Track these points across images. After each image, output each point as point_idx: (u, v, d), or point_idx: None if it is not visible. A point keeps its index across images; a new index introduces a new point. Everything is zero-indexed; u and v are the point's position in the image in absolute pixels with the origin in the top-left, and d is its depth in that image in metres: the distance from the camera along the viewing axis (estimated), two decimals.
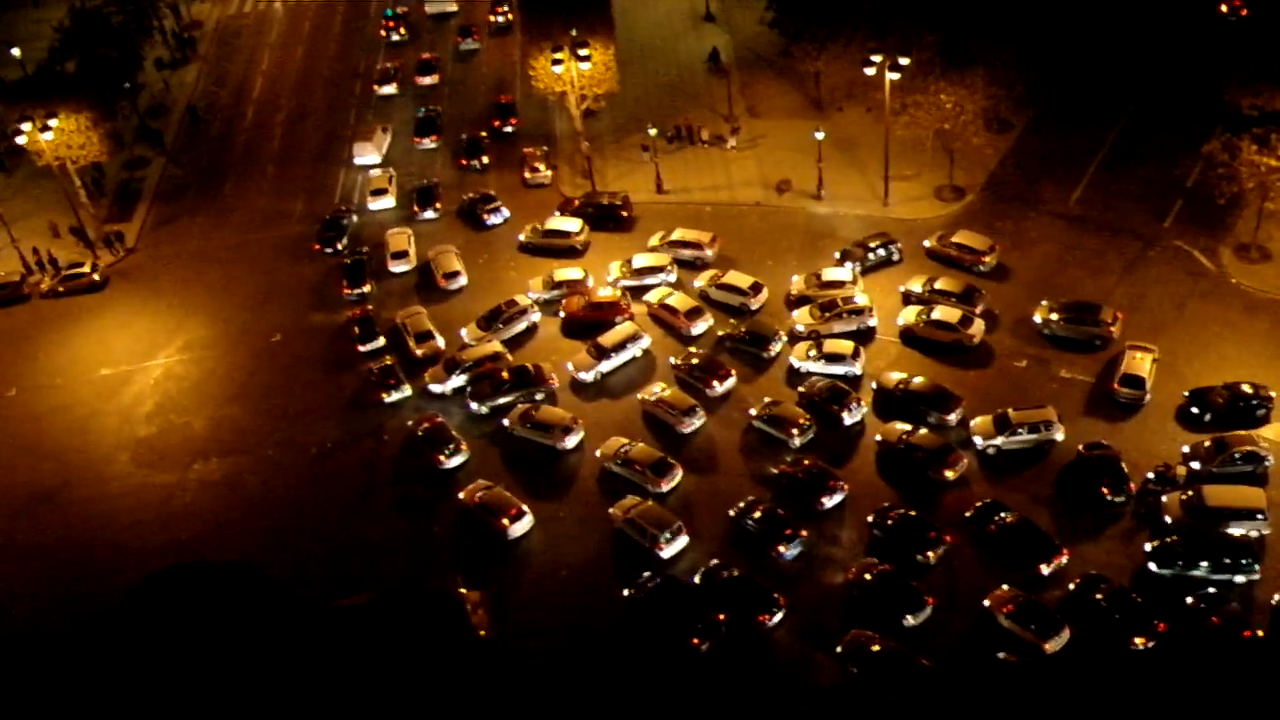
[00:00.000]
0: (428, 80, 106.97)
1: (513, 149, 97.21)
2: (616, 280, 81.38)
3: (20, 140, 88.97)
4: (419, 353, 78.11)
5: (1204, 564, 59.74)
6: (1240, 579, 59.74)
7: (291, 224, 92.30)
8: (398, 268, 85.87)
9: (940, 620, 60.09)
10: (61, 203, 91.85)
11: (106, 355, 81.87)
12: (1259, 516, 61.36)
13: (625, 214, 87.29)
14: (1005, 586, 60.50)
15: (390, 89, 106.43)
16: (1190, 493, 62.66)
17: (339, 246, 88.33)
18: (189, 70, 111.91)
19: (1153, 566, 60.64)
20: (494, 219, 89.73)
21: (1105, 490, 64.27)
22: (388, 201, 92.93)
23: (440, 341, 78.58)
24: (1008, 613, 58.97)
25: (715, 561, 63.61)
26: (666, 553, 64.61)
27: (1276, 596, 59.21)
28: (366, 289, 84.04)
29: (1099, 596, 58.91)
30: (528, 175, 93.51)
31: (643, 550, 64.78)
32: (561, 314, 79.59)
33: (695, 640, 60.04)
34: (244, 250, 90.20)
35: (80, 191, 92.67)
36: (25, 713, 61.19)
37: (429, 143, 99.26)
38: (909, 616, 59.86)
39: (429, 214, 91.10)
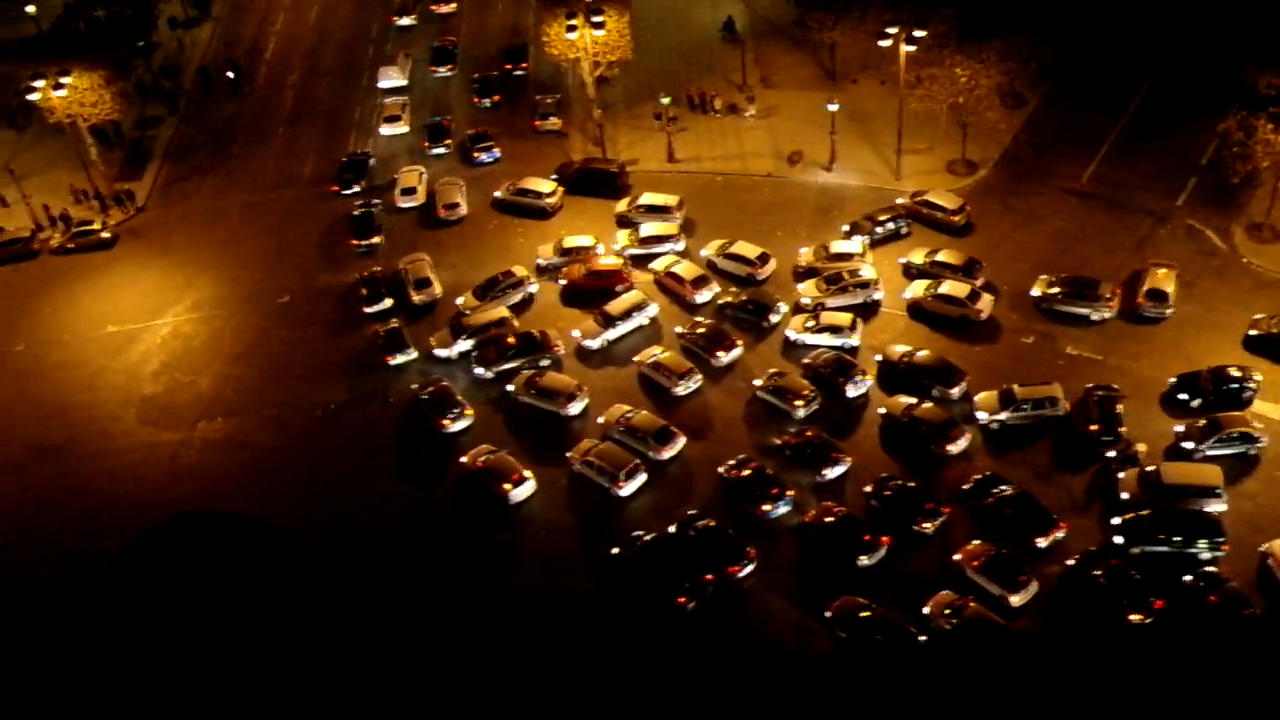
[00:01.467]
0: (445, 8, 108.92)
1: (524, 93, 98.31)
2: (624, 249, 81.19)
3: (33, 97, 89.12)
4: (417, 300, 78.89)
5: (1174, 539, 60.00)
6: (1207, 555, 59.94)
7: (302, 185, 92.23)
8: (406, 203, 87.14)
9: (918, 580, 60.75)
10: (73, 160, 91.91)
11: (114, 313, 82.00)
12: (1215, 494, 61.53)
13: (623, 181, 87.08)
14: (976, 541, 61.10)
15: (409, 20, 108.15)
16: (1151, 468, 63.00)
17: (357, 188, 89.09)
18: (203, 29, 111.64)
19: (1119, 540, 60.87)
20: (484, 157, 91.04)
21: (1095, 428, 64.77)
22: (401, 128, 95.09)
23: (438, 289, 79.38)
24: (976, 566, 59.78)
25: (692, 512, 64.05)
26: (625, 490, 65.61)
27: (1262, 546, 59.90)
28: (375, 241, 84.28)
29: (1098, 573, 58.92)
30: (538, 123, 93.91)
31: (603, 490, 66.44)
32: (562, 281, 79.52)
33: (682, 599, 60.36)
34: (254, 210, 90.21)
35: (91, 149, 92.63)
36: (28, 660, 61.97)
37: (444, 71, 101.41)
38: (864, 557, 61.04)
39: (439, 150, 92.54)
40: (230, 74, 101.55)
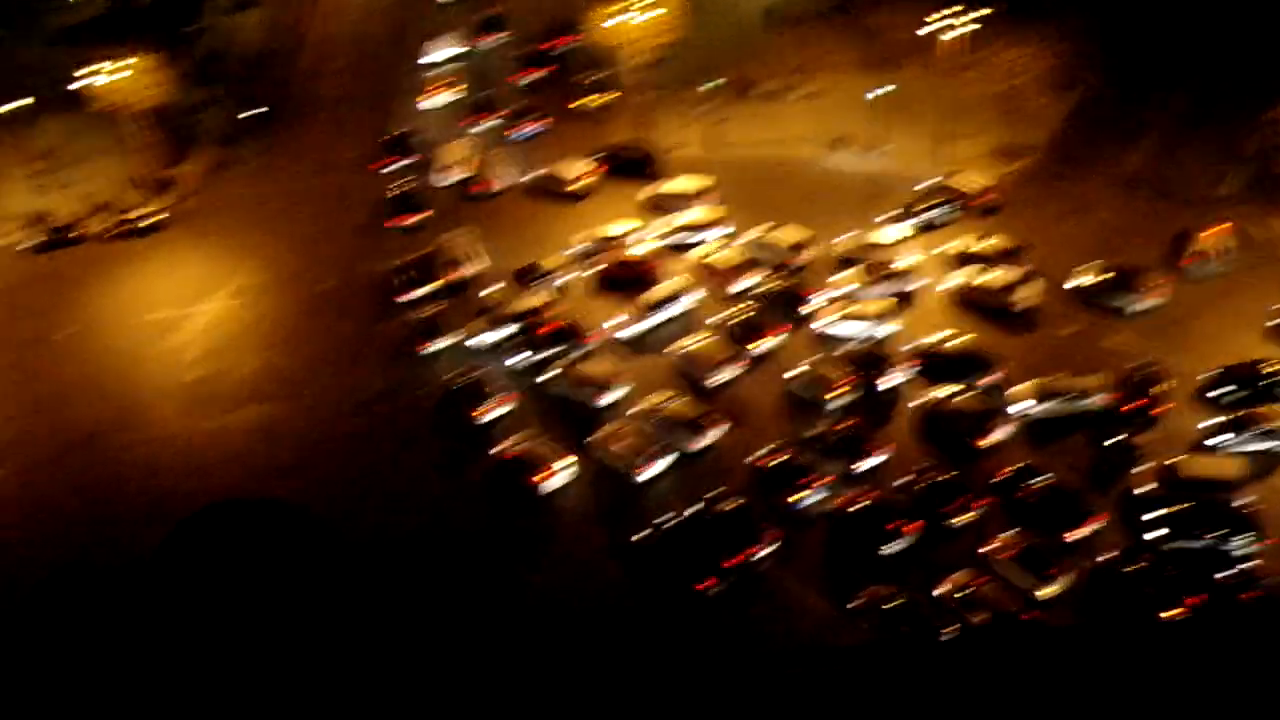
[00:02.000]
0: None
1: (569, 69, 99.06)
2: (664, 235, 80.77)
3: (84, 83, 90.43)
4: (454, 277, 79.54)
5: (1211, 535, 58.70)
6: (1244, 552, 58.49)
7: (344, 172, 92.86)
8: (449, 179, 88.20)
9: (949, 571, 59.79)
10: (122, 145, 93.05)
11: (157, 299, 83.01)
12: (1236, 488, 60.24)
13: (657, 166, 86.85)
14: (1008, 533, 60.25)
15: None
16: (1170, 461, 62.09)
17: (403, 164, 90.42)
18: (250, 14, 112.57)
19: (1154, 535, 59.64)
20: (526, 131, 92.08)
21: (1134, 405, 64.64)
22: (447, 100, 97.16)
23: (473, 268, 79.85)
24: (1008, 558, 59.03)
25: (711, 494, 63.86)
26: (648, 474, 65.65)
27: None
28: (418, 218, 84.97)
29: (1132, 568, 57.90)
30: (583, 99, 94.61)
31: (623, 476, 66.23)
32: (595, 269, 79.25)
33: (705, 584, 60.18)
34: (296, 196, 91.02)
35: (140, 135, 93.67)
36: (64, 644, 62.72)
37: (491, 42, 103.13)
38: (890, 544, 60.63)
39: (483, 125, 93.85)
40: (262, 109, 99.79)
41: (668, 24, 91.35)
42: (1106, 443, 63.90)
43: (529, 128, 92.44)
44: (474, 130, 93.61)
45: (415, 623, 61.52)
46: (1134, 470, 62.55)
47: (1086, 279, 72.66)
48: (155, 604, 63.55)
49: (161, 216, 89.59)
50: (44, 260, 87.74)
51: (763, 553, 61.46)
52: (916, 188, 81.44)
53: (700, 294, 76.50)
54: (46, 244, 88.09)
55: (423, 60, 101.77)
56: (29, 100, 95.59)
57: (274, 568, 64.26)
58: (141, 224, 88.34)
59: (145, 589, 64.08)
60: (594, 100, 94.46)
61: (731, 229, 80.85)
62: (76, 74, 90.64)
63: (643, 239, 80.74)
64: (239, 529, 66.50)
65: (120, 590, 64.24)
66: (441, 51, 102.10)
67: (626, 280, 77.47)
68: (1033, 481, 62.11)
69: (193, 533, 66.13)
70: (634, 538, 63.10)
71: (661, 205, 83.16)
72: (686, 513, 63.40)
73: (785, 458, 65.06)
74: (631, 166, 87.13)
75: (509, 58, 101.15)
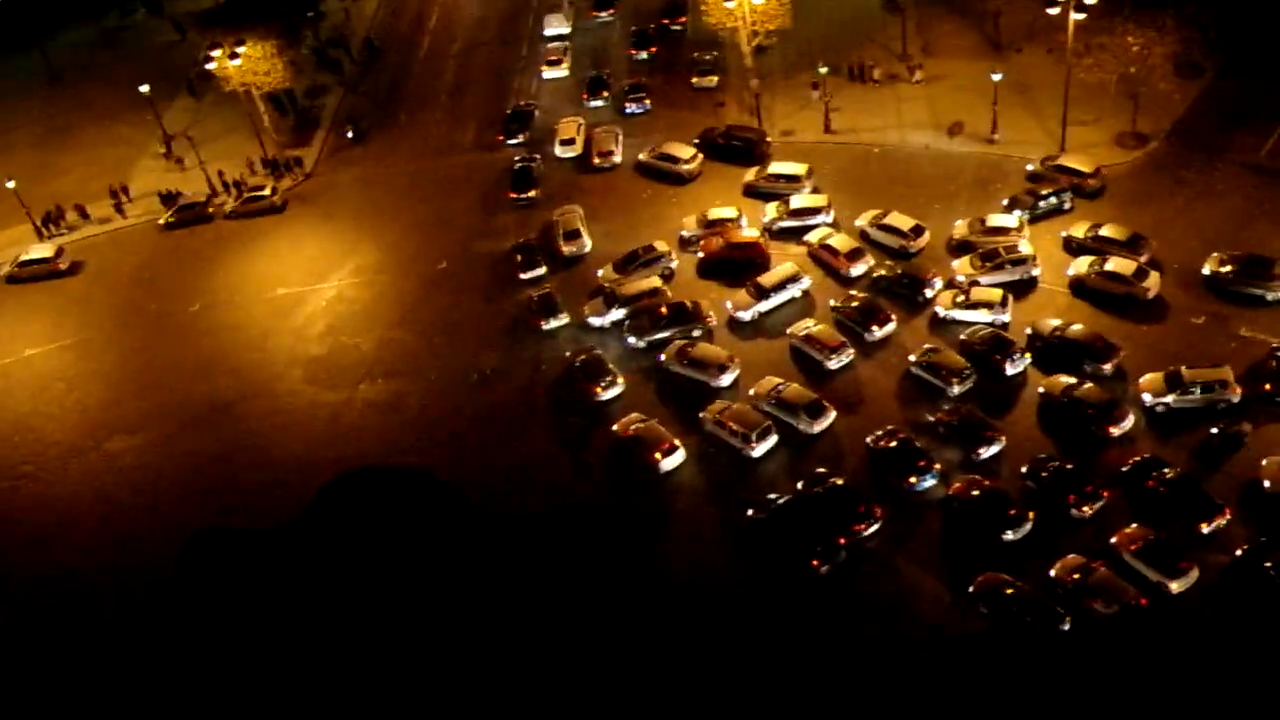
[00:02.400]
0: None
1: (681, 48, 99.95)
2: (773, 221, 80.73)
3: (210, 66, 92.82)
4: (566, 251, 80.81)
5: None
6: None
7: (462, 153, 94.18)
8: (564, 153, 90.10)
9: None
10: (247, 126, 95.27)
11: (283, 276, 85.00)
12: None
13: (763, 150, 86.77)
14: (1134, 525, 59.34)
15: None
16: None
17: (521, 139, 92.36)
18: (369, 0, 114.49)
19: None
20: (634, 108, 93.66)
21: (1268, 388, 63.99)
22: (561, 72, 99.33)
23: (588, 242, 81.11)
24: (1134, 550, 58.04)
25: (820, 470, 63.91)
26: (757, 452, 65.91)
27: None
28: (533, 194, 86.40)
29: (1269, 565, 56.68)
30: (695, 79, 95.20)
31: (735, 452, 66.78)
32: (700, 254, 79.47)
33: (815, 562, 60.40)
34: (415, 178, 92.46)
35: (265, 117, 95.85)
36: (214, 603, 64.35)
37: (605, 15, 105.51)
38: (1009, 532, 60.08)
39: (597, 102, 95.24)
40: (350, 132, 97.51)
41: (782, 6, 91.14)
42: (1236, 433, 62.82)
43: (640, 105, 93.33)
44: (589, 106, 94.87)
45: (542, 594, 62.51)
46: (1264, 462, 61.29)
47: (1220, 267, 71.16)
48: (306, 568, 65.03)
49: (285, 197, 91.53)
50: (175, 237, 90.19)
51: (871, 530, 61.50)
52: (1026, 168, 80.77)
53: (816, 278, 76.48)
54: (177, 222, 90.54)
55: (541, 34, 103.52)
56: (161, 82, 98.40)
57: (420, 535, 65.35)
58: (266, 203, 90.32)
59: (295, 553, 65.62)
60: (705, 81, 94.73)
61: (846, 214, 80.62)
62: (204, 58, 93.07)
63: (754, 222, 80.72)
64: (383, 497, 67.95)
65: (265, 554, 65.94)
66: (557, 27, 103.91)
67: (739, 263, 77.64)
68: (1159, 473, 61.18)
69: (336, 499, 67.55)
70: (748, 513, 63.48)
71: (771, 189, 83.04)
72: (798, 490, 63.71)
73: (902, 441, 64.93)
74: (741, 150, 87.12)
75: (623, 35, 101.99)
